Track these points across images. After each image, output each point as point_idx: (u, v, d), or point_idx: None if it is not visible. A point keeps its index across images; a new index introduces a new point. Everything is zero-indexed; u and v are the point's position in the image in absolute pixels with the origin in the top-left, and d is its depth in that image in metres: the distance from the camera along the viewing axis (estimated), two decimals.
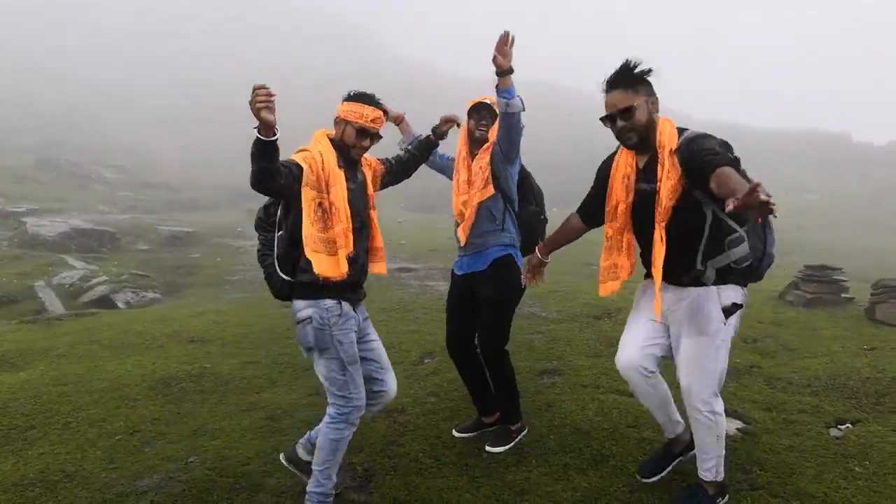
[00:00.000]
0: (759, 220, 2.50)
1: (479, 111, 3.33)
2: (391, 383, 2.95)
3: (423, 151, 3.19)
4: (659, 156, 2.48)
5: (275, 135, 2.29)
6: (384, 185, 3.10)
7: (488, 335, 3.37)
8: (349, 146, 2.74)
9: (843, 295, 7.26)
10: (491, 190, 3.26)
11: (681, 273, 2.54)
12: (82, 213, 15.31)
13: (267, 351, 5.28)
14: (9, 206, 14.40)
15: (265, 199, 2.79)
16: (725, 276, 2.53)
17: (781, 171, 33.13)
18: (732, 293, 2.55)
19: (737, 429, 3.62)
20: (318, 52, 51.79)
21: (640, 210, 2.61)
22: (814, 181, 30.72)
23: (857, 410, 3.92)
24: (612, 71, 2.51)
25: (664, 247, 2.46)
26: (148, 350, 5.38)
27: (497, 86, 3.00)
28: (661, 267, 2.47)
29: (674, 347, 2.64)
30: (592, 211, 2.87)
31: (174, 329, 6.01)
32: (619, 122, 2.50)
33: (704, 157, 2.30)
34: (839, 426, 3.67)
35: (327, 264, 2.59)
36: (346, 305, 2.72)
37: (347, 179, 2.72)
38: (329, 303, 2.67)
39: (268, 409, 3.98)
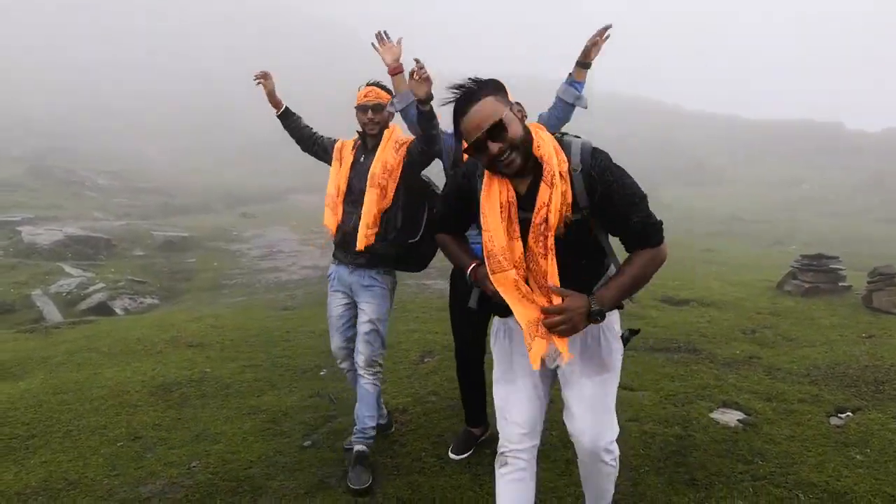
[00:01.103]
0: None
1: None
2: (361, 348, 3.14)
3: (421, 124, 2.94)
4: (545, 176, 1.92)
5: (279, 109, 3.34)
6: (417, 157, 3.03)
7: None
8: (361, 127, 3.11)
9: (840, 284, 7.30)
10: None
11: None
12: (77, 221, 15.24)
13: (266, 354, 5.27)
14: (3, 216, 14.32)
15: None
16: None
17: (776, 160, 33.19)
18: (616, 318, 2.21)
19: (738, 420, 3.63)
20: (310, 58, 51.68)
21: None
22: (808, 170, 30.76)
23: (857, 398, 3.94)
24: (449, 94, 1.93)
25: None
26: (147, 356, 5.36)
27: (575, 76, 3.10)
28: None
29: (567, 387, 2.19)
30: (456, 224, 2.30)
31: (173, 334, 6.00)
32: (492, 146, 1.88)
33: (630, 209, 1.96)
34: (839, 415, 3.69)
35: (326, 218, 3.20)
36: (332, 267, 3.25)
37: (357, 160, 3.10)
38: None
39: (269, 411, 3.98)
